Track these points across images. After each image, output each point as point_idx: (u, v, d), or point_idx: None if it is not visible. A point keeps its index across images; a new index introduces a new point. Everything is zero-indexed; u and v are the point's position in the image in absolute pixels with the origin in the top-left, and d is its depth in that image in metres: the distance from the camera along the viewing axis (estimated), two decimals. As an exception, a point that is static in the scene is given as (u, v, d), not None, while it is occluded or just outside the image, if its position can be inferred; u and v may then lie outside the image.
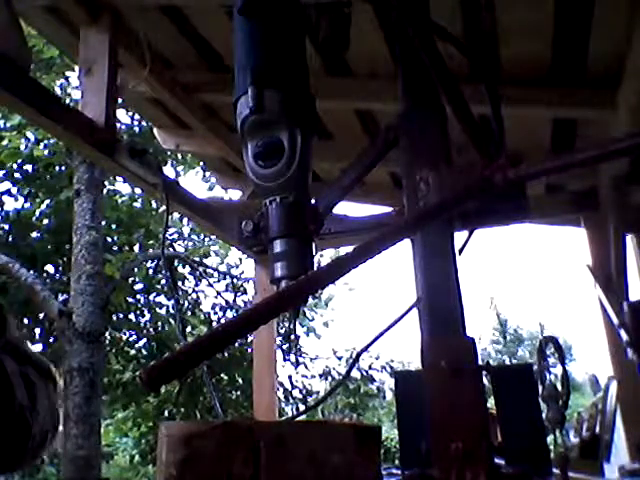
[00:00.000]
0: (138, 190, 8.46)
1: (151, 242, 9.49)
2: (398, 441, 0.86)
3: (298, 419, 0.75)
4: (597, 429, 2.97)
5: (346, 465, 0.55)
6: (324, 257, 8.36)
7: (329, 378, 11.59)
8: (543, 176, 0.62)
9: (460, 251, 0.79)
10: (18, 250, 7.93)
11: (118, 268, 7.68)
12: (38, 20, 2.53)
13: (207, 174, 9.19)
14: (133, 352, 9.88)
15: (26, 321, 8.08)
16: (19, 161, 8.36)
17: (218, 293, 10.50)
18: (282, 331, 9.76)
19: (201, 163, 7.64)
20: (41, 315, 8.00)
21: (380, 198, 3.71)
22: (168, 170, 9.19)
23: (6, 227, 8.68)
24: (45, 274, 8.75)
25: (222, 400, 9.51)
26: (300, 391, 11.56)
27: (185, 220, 9.41)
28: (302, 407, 11.04)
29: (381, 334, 0.84)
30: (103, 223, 7.63)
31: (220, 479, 0.46)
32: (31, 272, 6.60)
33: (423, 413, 0.68)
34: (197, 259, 10.22)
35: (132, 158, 2.59)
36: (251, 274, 6.23)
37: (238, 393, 10.32)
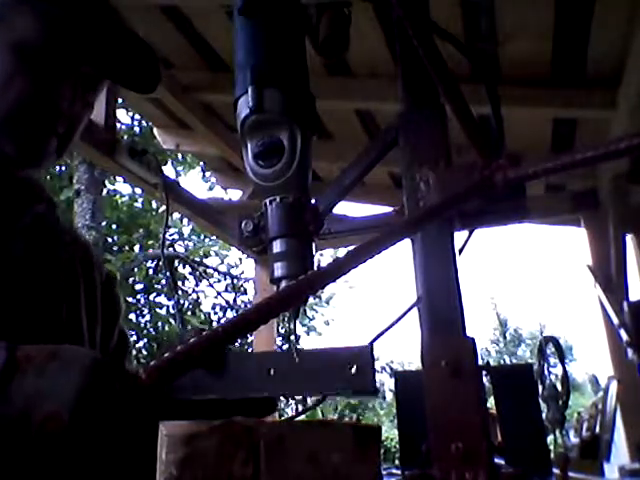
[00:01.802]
0: (138, 190, 8.47)
1: (151, 242, 9.50)
2: (398, 441, 0.86)
3: (298, 419, 0.75)
4: (597, 429, 2.97)
5: (346, 465, 0.55)
6: (324, 257, 8.38)
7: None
8: (543, 176, 0.62)
9: (460, 251, 0.78)
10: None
11: (118, 268, 7.69)
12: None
13: (207, 174, 9.20)
14: (133, 352, 9.88)
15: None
16: (19, 161, 8.35)
17: (218, 293, 10.52)
18: (282, 331, 9.77)
19: (201, 163, 7.65)
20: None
21: (380, 198, 3.72)
22: (168, 170, 9.19)
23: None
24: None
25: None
26: (300, 391, 11.56)
27: (185, 220, 9.41)
28: (302, 407, 11.05)
29: (381, 334, 0.84)
30: (103, 223, 7.64)
31: (220, 479, 0.46)
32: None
33: (423, 413, 0.68)
34: (197, 259, 10.23)
35: (132, 158, 2.59)
36: (251, 274, 6.24)
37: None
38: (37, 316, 0.81)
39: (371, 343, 0.85)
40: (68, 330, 0.85)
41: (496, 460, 0.71)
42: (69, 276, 0.90)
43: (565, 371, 2.94)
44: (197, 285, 10.69)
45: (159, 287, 9.92)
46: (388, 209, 0.86)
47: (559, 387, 2.83)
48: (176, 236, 10.35)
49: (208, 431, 0.47)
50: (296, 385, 0.56)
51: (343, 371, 0.54)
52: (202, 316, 10.51)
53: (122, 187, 9.42)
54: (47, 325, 0.82)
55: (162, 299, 10.05)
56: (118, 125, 3.76)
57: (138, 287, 9.87)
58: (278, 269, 0.77)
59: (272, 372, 0.57)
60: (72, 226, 1.13)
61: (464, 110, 0.67)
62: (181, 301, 9.94)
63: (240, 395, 0.59)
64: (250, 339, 6.78)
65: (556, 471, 1.25)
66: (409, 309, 0.79)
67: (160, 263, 9.31)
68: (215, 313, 10.76)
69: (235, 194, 4.33)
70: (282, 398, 10.92)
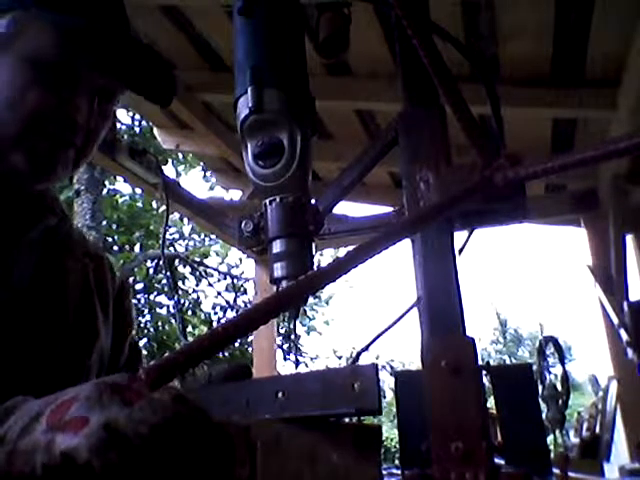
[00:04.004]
0: (138, 190, 8.46)
1: (151, 242, 9.50)
2: (398, 441, 0.86)
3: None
4: (597, 429, 2.97)
5: (346, 465, 0.55)
6: (324, 257, 8.38)
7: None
8: (543, 176, 0.62)
9: (460, 251, 0.78)
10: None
11: (118, 268, 7.70)
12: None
13: (208, 174, 9.21)
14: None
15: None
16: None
17: (218, 293, 10.52)
18: (282, 331, 9.77)
19: (201, 163, 7.65)
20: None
21: (380, 198, 3.72)
22: (168, 170, 9.19)
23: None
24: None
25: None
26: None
27: (185, 220, 9.41)
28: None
29: (381, 334, 0.84)
30: (103, 223, 7.64)
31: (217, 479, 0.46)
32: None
33: (423, 413, 0.68)
34: (197, 259, 10.23)
35: (132, 158, 2.59)
36: (251, 274, 6.24)
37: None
38: (46, 331, 0.80)
39: (366, 348, 0.85)
40: (79, 346, 0.84)
41: (496, 460, 0.71)
42: (81, 290, 0.89)
43: (565, 371, 2.94)
44: (197, 285, 10.70)
45: (159, 287, 9.92)
46: (388, 209, 0.86)
47: (559, 387, 2.83)
48: (176, 235, 10.35)
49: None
50: (302, 407, 0.56)
51: (347, 390, 0.54)
52: (202, 316, 10.51)
53: (122, 187, 9.43)
54: (57, 342, 0.81)
55: (162, 299, 10.05)
56: (118, 125, 3.76)
57: (138, 287, 9.86)
58: (278, 269, 0.77)
59: (280, 395, 0.57)
60: (86, 238, 1.14)
61: (464, 110, 0.67)
62: (181, 301, 9.94)
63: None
64: (250, 339, 6.78)
65: (556, 471, 1.25)
66: (409, 309, 0.79)
67: (160, 263, 9.31)
68: (215, 313, 10.76)
69: (235, 194, 4.33)
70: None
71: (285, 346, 10.68)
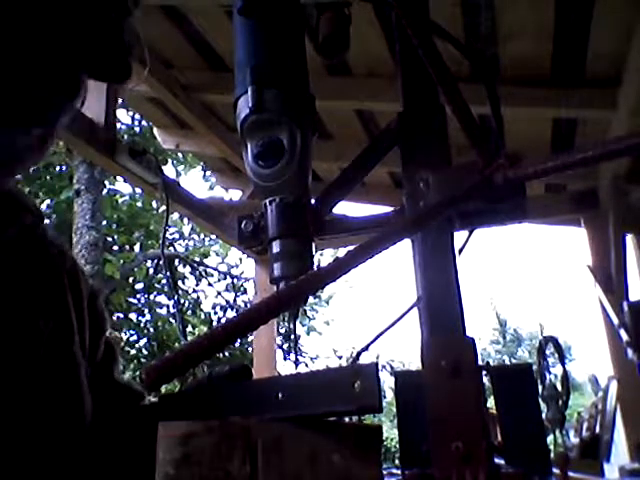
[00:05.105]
0: (138, 190, 8.46)
1: (151, 242, 9.49)
2: (398, 441, 0.86)
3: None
4: (597, 429, 2.97)
5: (346, 465, 0.55)
6: (324, 257, 8.38)
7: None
8: (543, 176, 0.62)
9: (460, 251, 0.78)
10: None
11: (118, 268, 7.70)
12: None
13: (207, 173, 9.21)
14: (133, 352, 9.88)
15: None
16: (19, 161, 8.33)
17: (218, 293, 10.52)
18: (282, 331, 9.76)
19: (201, 163, 7.65)
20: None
21: (380, 198, 3.72)
22: (168, 170, 9.19)
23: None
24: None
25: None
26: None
27: (185, 220, 9.41)
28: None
29: (381, 333, 0.84)
30: (103, 223, 7.64)
31: (217, 479, 0.46)
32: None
33: (423, 413, 0.68)
34: (197, 259, 10.23)
35: (132, 158, 2.59)
36: (251, 274, 6.23)
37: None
38: (23, 332, 0.81)
39: (366, 348, 0.85)
40: (54, 343, 0.85)
41: (496, 460, 0.71)
42: (56, 288, 0.90)
43: (565, 371, 2.94)
44: (197, 285, 10.70)
45: (159, 287, 9.92)
46: (388, 209, 0.86)
47: (559, 387, 2.83)
48: (176, 235, 10.35)
49: (205, 431, 0.47)
50: (302, 406, 0.56)
51: (348, 389, 0.54)
52: (202, 316, 10.51)
53: (122, 187, 9.42)
54: (31, 340, 0.81)
55: (162, 299, 10.05)
56: (118, 125, 3.77)
57: (138, 287, 9.87)
58: (278, 269, 0.77)
59: (280, 395, 0.57)
60: (58, 237, 1.15)
61: (464, 110, 0.67)
62: (181, 301, 9.95)
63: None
64: (250, 339, 6.78)
65: (556, 471, 1.25)
66: (409, 309, 0.79)
67: (160, 263, 9.31)
68: (215, 313, 10.75)
69: (235, 194, 4.33)
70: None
71: (285, 346, 10.67)
